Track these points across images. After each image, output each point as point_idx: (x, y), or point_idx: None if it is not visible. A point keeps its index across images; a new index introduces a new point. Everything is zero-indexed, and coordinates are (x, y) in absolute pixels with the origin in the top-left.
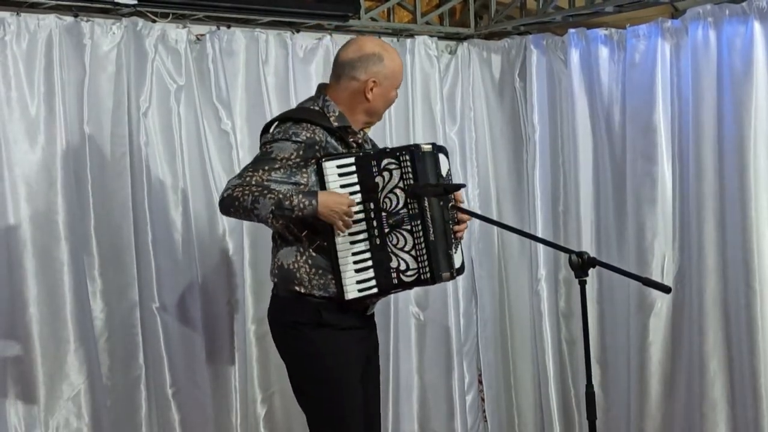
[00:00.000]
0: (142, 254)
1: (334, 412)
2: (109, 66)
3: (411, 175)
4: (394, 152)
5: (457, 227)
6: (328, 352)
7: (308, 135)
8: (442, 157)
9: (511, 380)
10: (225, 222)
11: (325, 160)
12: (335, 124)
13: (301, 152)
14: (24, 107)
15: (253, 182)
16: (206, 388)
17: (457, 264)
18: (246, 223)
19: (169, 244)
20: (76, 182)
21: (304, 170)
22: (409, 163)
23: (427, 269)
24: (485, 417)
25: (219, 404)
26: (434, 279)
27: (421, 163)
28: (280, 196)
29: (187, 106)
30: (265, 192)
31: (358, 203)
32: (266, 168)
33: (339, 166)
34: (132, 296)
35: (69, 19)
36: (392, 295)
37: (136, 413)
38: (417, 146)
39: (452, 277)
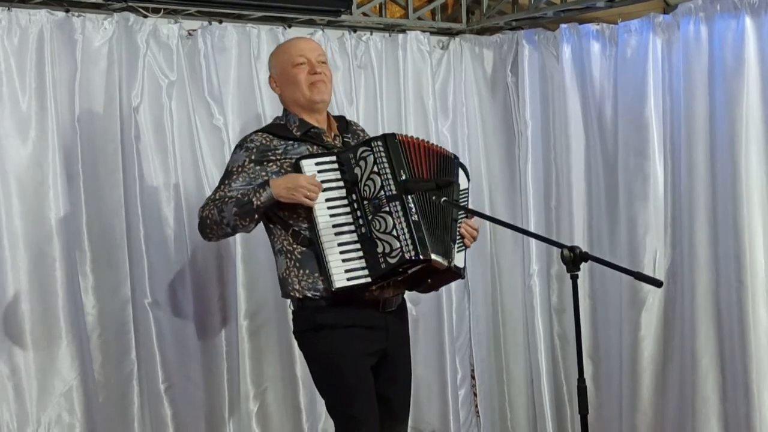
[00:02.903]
0: (134, 250)
1: (343, 405)
2: (100, 61)
3: (384, 160)
4: (369, 140)
5: (463, 230)
6: (327, 348)
7: (262, 142)
8: (462, 174)
9: (504, 375)
10: None
11: (302, 159)
12: (297, 133)
13: (252, 156)
14: (15, 103)
15: (217, 197)
16: (199, 383)
17: (458, 261)
18: None
19: (161, 240)
20: (67, 178)
21: (263, 174)
22: (381, 149)
23: (410, 247)
24: (478, 412)
25: (211, 400)
26: (418, 256)
27: (394, 148)
28: (238, 195)
29: (179, 101)
30: (226, 200)
31: (343, 197)
32: (226, 182)
33: (318, 164)
34: (124, 292)
35: (60, 14)
36: None
37: (129, 409)
38: (393, 134)
39: (449, 267)
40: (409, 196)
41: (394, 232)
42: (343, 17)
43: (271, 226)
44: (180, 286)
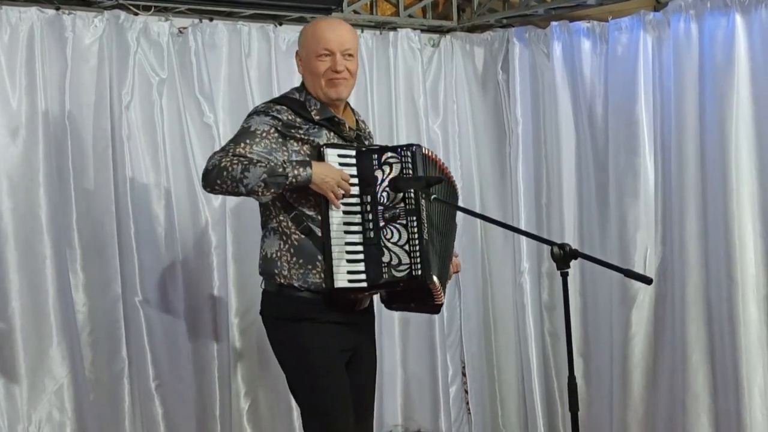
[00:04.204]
0: (124, 248)
1: (318, 400)
2: (91, 59)
3: (410, 170)
4: (396, 147)
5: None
6: (306, 342)
7: (288, 117)
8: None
9: (495, 372)
10: (208, 215)
11: (327, 147)
12: (317, 117)
13: (279, 128)
14: (5, 100)
15: (238, 153)
16: (189, 381)
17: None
18: (229, 217)
19: (151, 237)
20: (58, 175)
21: (284, 148)
22: (410, 159)
23: (419, 266)
24: (469, 409)
25: (202, 398)
26: (425, 277)
27: (422, 160)
28: (272, 164)
29: (170, 99)
30: (255, 161)
31: (356, 195)
32: (248, 141)
33: (341, 155)
34: (115, 290)
35: (51, 11)
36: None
37: (120, 407)
38: (420, 146)
39: (440, 290)
40: (424, 212)
41: (407, 247)
42: (334, 15)
43: (270, 202)
44: (171, 284)
